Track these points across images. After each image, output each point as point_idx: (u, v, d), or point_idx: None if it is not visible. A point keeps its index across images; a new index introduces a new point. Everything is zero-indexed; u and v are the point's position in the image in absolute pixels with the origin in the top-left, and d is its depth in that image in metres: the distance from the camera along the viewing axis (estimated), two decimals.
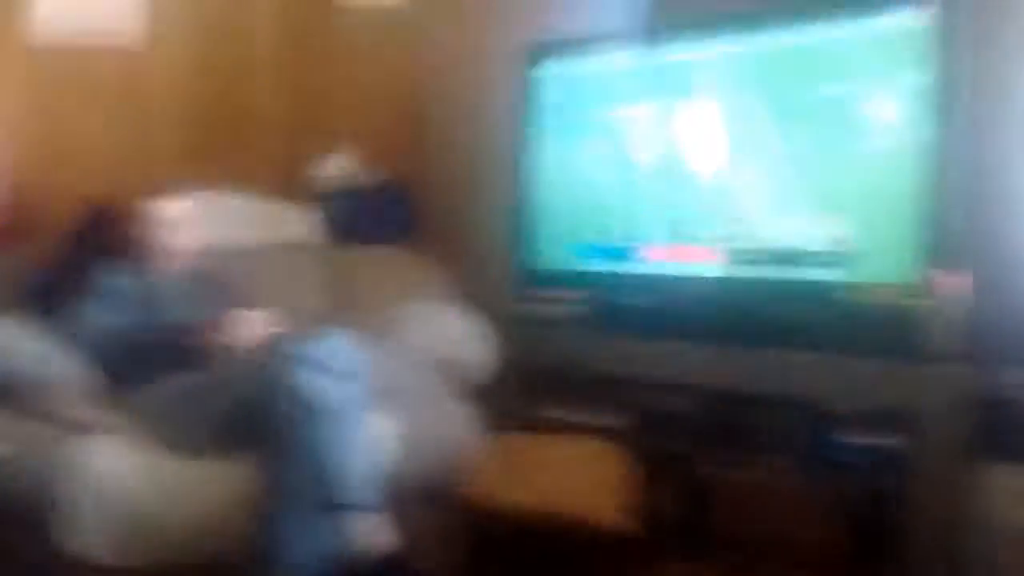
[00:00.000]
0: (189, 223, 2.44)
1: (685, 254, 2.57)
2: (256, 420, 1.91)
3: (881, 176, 2.25)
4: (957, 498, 2.01)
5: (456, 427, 2.22)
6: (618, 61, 2.70)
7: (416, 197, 3.00)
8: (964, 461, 2.02)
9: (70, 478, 1.84)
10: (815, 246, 2.35)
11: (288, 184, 2.96)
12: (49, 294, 2.30)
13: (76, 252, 2.43)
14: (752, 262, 2.45)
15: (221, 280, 2.47)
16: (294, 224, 2.83)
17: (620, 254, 2.68)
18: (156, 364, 2.14)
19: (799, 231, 2.37)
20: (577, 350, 2.61)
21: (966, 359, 2.08)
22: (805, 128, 2.36)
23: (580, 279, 2.75)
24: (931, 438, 2.07)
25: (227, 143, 2.98)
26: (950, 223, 2.16)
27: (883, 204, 2.25)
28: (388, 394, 2.12)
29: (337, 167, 3.01)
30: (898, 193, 2.22)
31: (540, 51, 2.83)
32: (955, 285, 2.11)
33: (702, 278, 2.52)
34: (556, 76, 2.81)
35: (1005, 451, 1.96)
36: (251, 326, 2.19)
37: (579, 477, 2.13)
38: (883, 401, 2.19)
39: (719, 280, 2.50)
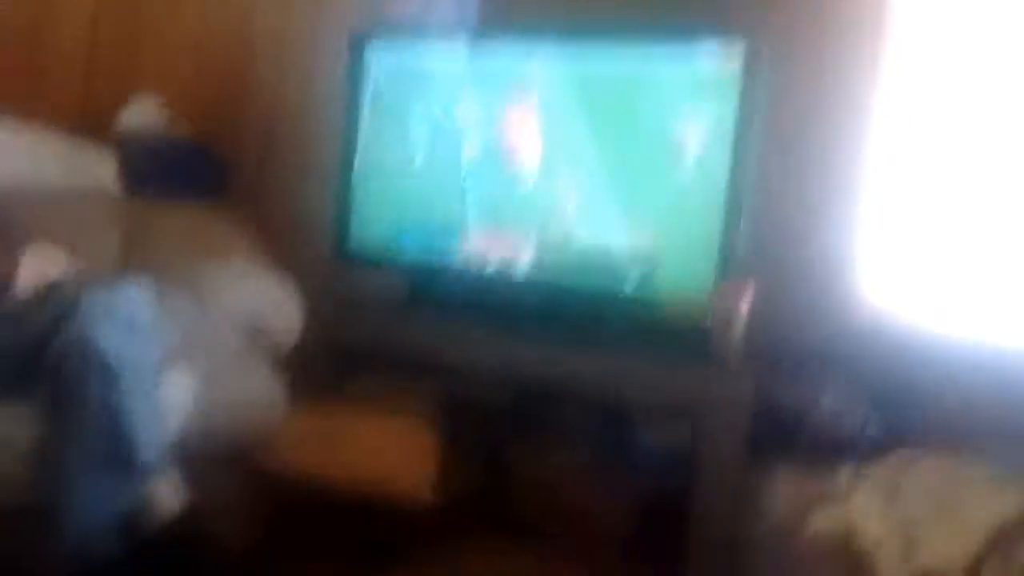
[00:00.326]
0: None
1: (499, 247, 2.62)
2: (38, 365, 1.77)
3: (683, 192, 2.41)
4: (739, 499, 2.14)
5: (258, 391, 2.15)
6: (446, 54, 2.73)
7: (228, 159, 2.87)
8: (746, 462, 2.16)
9: None
10: (620, 252, 2.47)
11: (85, 127, 2.74)
12: None
13: None
14: (561, 262, 2.54)
15: (5, 217, 2.25)
16: (90, 169, 2.62)
17: (437, 241, 2.70)
18: None
19: (606, 237, 2.49)
20: (389, 331, 2.60)
21: (748, 364, 2.25)
22: (618, 140, 2.50)
23: (396, 262, 2.74)
24: (714, 437, 2.21)
25: (21, 72, 2.72)
26: (741, 240, 2.34)
27: (683, 218, 2.41)
28: (186, 351, 2.02)
29: (141, 115, 2.83)
30: (697, 209, 2.39)
31: (369, 35, 2.81)
32: (741, 294, 2.28)
33: (513, 273, 2.59)
34: (384, 61, 2.79)
35: (782, 454, 2.13)
36: (38, 265, 2.00)
37: (384, 451, 2.14)
38: (673, 402, 2.33)
39: (529, 276, 2.58)
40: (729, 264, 2.33)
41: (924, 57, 2.46)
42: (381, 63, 2.79)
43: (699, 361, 2.28)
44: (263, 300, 2.27)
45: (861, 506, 1.96)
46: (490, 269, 2.62)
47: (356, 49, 2.79)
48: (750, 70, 2.31)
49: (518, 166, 2.62)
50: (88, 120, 2.76)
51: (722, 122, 2.35)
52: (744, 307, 2.27)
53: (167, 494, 1.81)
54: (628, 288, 2.45)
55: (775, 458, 2.14)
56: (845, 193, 2.51)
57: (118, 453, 1.74)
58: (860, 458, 2.10)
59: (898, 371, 2.24)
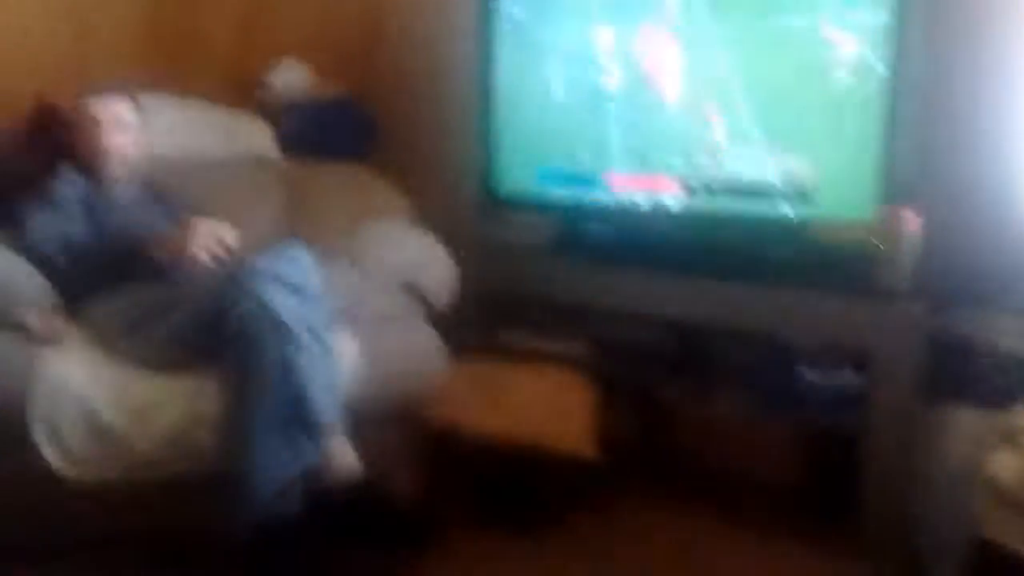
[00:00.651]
0: (137, 126, 2.32)
1: (648, 183, 2.56)
2: (219, 335, 1.87)
3: (839, 113, 2.26)
4: (912, 436, 2.05)
5: (419, 350, 2.21)
6: None
7: (374, 113, 2.92)
8: (918, 399, 2.07)
9: (37, 391, 1.79)
10: (774, 180, 2.37)
11: (239, 95, 2.84)
12: None
13: (23, 155, 2.30)
14: (712, 194, 2.46)
15: (173, 190, 2.38)
16: (247, 136, 2.73)
17: (584, 180, 2.65)
18: (109, 275, 2.07)
19: (758, 164, 2.39)
20: (540, 276, 2.59)
21: (919, 297, 2.13)
22: (764, 61, 2.35)
23: (543, 204, 2.71)
24: (886, 376, 2.12)
25: (174, 47, 2.83)
26: (905, 161, 2.19)
27: (840, 140, 2.27)
28: (350, 313, 2.09)
29: (289, 79, 2.91)
30: (855, 130, 2.24)
31: None
32: (909, 223, 2.16)
33: (664, 208, 2.53)
34: None
35: (957, 392, 2.03)
36: (209, 237, 2.10)
37: (542, 403, 2.16)
38: (840, 338, 2.24)
39: (680, 211, 2.50)
40: (893, 187, 2.19)
41: None
42: None
43: (867, 293, 2.17)
44: (418, 259, 2.32)
45: None
46: (639, 205, 2.57)
47: None
48: None
49: (661, 93, 2.53)
50: (240, 89, 2.86)
51: (877, 32, 2.19)
52: (913, 233, 2.14)
53: (343, 454, 1.90)
54: (786, 217, 2.35)
55: (950, 396, 2.03)
56: (1019, 106, 2.30)
57: (298, 414, 1.84)
58: None
59: None
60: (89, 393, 1.82)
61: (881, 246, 2.18)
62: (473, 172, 2.79)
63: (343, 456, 1.90)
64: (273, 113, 2.83)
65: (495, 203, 2.77)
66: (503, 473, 2.13)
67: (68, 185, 2.21)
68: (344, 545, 1.87)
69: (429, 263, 2.33)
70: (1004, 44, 2.30)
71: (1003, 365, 2.01)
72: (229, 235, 2.11)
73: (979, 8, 2.31)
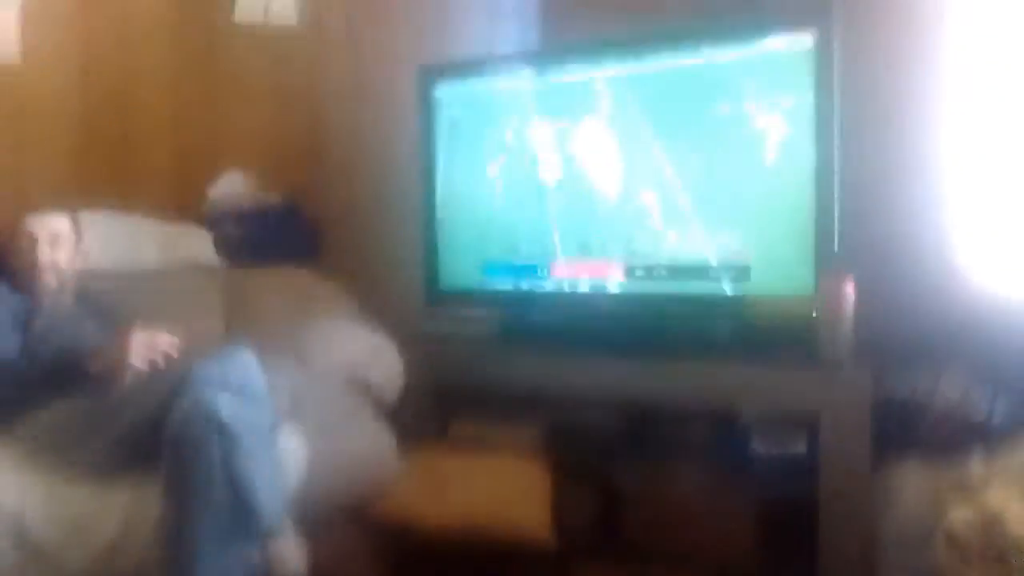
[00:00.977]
0: (73, 240, 2.31)
1: (589, 270, 2.60)
2: (159, 440, 1.81)
3: (771, 191, 2.34)
4: (867, 499, 2.06)
5: (368, 444, 2.18)
6: (513, 82, 2.74)
7: (315, 218, 2.95)
8: (870, 462, 2.07)
9: None
10: (712, 259, 2.42)
11: (179, 205, 2.86)
12: None
13: None
14: (652, 276, 2.51)
15: (109, 302, 2.35)
16: (186, 245, 2.72)
17: (526, 271, 2.70)
18: (43, 391, 2.01)
19: (696, 245, 2.44)
20: (487, 367, 2.60)
21: (861, 363, 2.16)
22: (697, 146, 2.44)
23: (487, 297, 2.75)
24: (836, 441, 2.13)
25: (113, 162, 2.86)
26: (837, 234, 2.25)
27: (774, 218, 2.34)
28: (295, 412, 2.05)
29: (230, 188, 2.93)
30: (787, 207, 2.32)
31: (436, 72, 2.84)
32: (846, 293, 2.20)
33: (606, 293, 2.57)
34: (454, 96, 2.82)
35: (908, 450, 2.03)
36: (145, 346, 2.06)
37: (497, 492, 2.12)
38: (788, 409, 2.25)
39: (622, 295, 2.55)
40: (827, 259, 2.25)
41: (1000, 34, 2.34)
42: (451, 98, 2.81)
43: (811, 363, 2.20)
44: (364, 354, 2.32)
45: (1000, 495, 1.85)
46: (582, 291, 2.60)
47: (425, 86, 2.83)
48: (822, 56, 2.25)
49: (600, 184, 2.60)
50: (181, 199, 2.87)
51: (802, 113, 2.28)
52: (849, 302, 2.18)
53: (290, 555, 1.83)
54: (725, 294, 2.40)
55: (901, 454, 2.04)
56: (941, 174, 2.39)
57: (242, 518, 1.77)
58: (990, 446, 1.98)
59: (1019, 354, 2.11)
60: (18, 509, 1.74)
61: (820, 316, 2.22)
62: (418, 269, 2.81)
63: (289, 559, 1.82)
64: (216, 221, 2.84)
65: (441, 298, 2.79)
66: (462, 567, 2.07)
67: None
68: None
69: (375, 358, 2.33)
70: (921, 121, 2.41)
71: (949, 418, 2.03)
72: (166, 342, 2.07)
73: (894, 91, 2.42)
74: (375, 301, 2.60)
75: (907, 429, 2.07)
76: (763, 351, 2.29)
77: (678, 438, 2.39)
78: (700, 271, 2.44)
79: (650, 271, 2.52)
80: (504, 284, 2.72)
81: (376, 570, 2.05)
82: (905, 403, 2.10)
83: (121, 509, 1.81)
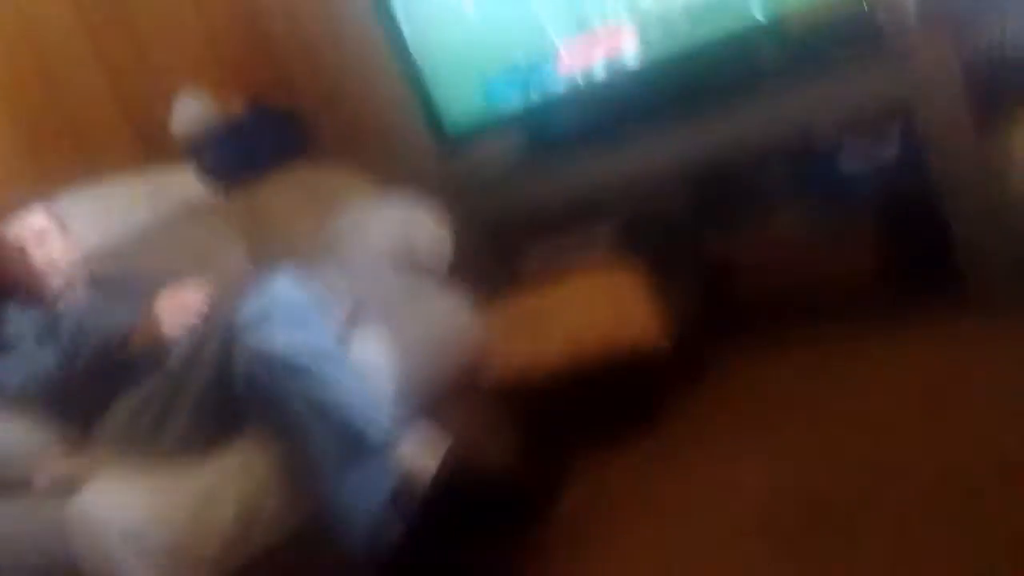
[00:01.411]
0: (59, 230, 2.11)
1: (598, 48, 2.32)
2: (233, 398, 1.69)
3: None
4: (984, 168, 1.88)
5: (446, 316, 2.05)
6: None
7: (290, 111, 2.71)
8: (974, 133, 1.89)
9: (84, 540, 1.60)
10: None
11: (146, 152, 2.64)
12: None
13: None
14: (670, 31, 2.21)
15: (124, 277, 2.17)
16: (174, 189, 2.49)
17: (530, 78, 2.42)
18: (100, 389, 1.86)
19: None
20: (526, 191, 2.39)
21: (931, 38, 1.93)
22: None
23: (501, 119, 2.50)
24: (934, 126, 1.94)
25: (60, 135, 2.60)
26: None
27: None
28: (361, 314, 1.91)
29: (189, 113, 2.67)
30: None
31: None
32: None
33: (627, 70, 2.30)
34: None
35: (1010, 106, 1.83)
36: (175, 310, 1.90)
37: (592, 310, 1.99)
38: (870, 112, 2.05)
39: (645, 65, 2.28)
40: None
41: None
42: None
43: (880, 57, 1.97)
44: (402, 229, 2.14)
45: None
46: (599, 80, 2.33)
47: None
48: None
49: None
50: (146, 148, 2.65)
51: None
52: None
53: (419, 454, 1.75)
54: (758, 22, 2.13)
55: (1009, 112, 1.83)
56: None
57: (350, 440, 1.66)
58: None
59: None
60: (132, 515, 1.62)
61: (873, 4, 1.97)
62: (418, 119, 2.56)
63: (420, 455, 1.74)
64: (192, 152, 2.61)
65: (452, 141, 2.56)
66: (588, 396, 1.95)
67: (15, 322, 2.01)
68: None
69: (414, 228, 2.15)
70: None
71: None
72: (195, 300, 1.92)
73: None
74: (386, 170, 2.39)
75: (1005, 84, 1.85)
76: (820, 67, 2.04)
77: (763, 189, 2.20)
78: (721, 4, 2.15)
79: (666, 23, 2.22)
80: (513, 103, 2.46)
81: (510, 430, 1.96)
82: (992, 60, 1.87)
83: (230, 477, 1.68)
